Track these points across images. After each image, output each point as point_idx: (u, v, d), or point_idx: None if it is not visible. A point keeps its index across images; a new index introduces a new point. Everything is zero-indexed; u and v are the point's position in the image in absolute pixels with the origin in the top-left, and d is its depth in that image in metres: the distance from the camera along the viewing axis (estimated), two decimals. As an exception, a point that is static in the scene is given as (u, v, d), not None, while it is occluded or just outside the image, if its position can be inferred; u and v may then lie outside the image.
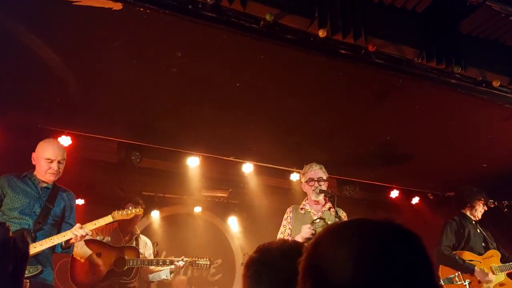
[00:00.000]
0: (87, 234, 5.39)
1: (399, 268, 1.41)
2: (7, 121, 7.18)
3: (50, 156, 5.42)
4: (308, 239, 5.41)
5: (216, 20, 5.02)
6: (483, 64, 6.32)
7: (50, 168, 5.43)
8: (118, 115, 7.24)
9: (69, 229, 5.45)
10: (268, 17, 4.98)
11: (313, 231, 5.50)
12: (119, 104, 6.88)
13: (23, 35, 5.21)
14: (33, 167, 5.56)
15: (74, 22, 5.10)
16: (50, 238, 5.28)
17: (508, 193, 7.66)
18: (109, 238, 7.49)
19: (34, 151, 5.52)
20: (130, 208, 6.09)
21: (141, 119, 7.41)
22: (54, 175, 5.50)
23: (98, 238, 7.38)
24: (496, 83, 6.27)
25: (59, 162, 5.47)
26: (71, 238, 5.33)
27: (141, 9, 4.83)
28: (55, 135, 7.43)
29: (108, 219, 5.76)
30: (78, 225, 5.39)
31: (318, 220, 5.78)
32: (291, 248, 2.68)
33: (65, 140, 7.55)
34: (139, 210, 6.21)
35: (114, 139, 8.24)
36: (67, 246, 5.48)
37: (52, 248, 5.44)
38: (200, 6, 4.89)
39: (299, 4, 5.29)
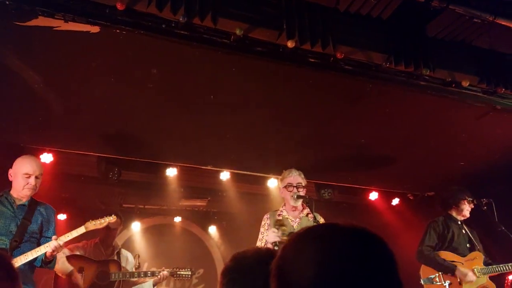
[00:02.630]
0: (60, 246, 5.37)
1: (360, 271, 1.47)
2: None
3: (28, 171, 5.48)
4: (275, 243, 5.48)
5: (189, 37, 5.16)
6: (451, 65, 6.40)
7: (27, 183, 5.48)
8: (98, 130, 7.38)
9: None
10: (238, 31, 5.10)
11: (279, 236, 5.57)
12: (98, 120, 7.03)
13: (5, 57, 5.35)
14: (10, 186, 5.60)
15: (55, 45, 5.26)
16: (24, 254, 5.29)
17: (487, 190, 7.73)
18: (91, 253, 7.50)
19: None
20: (104, 217, 6.08)
21: (120, 133, 7.51)
22: (31, 190, 5.54)
23: (78, 253, 7.37)
24: (465, 83, 6.35)
25: (36, 177, 5.53)
26: (49, 252, 5.37)
27: (117, 30, 4.99)
28: (37, 152, 7.52)
29: (81, 229, 5.76)
30: (54, 237, 5.44)
31: (295, 221, 5.92)
32: (266, 255, 2.74)
33: (47, 157, 7.69)
34: (112, 218, 6.17)
35: (94, 153, 8.32)
36: (48, 260, 5.47)
37: (31, 265, 5.46)
38: (173, 25, 5.01)
39: (267, 18, 5.40)
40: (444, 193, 7.72)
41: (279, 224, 5.59)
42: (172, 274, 7.68)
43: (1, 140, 7.36)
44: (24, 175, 5.48)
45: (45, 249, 5.35)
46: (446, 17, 5.91)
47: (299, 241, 1.62)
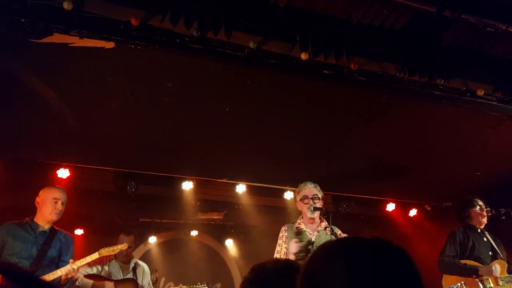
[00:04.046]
0: (73, 270, 5.83)
1: (389, 284, 1.50)
2: (6, 156, 7.36)
3: (56, 196, 5.99)
4: (296, 253, 5.51)
5: (203, 51, 5.22)
6: (466, 74, 6.40)
7: (55, 208, 5.96)
8: (114, 145, 7.42)
9: None
10: (251, 44, 5.16)
11: (301, 246, 5.59)
12: (114, 134, 7.08)
13: (22, 74, 5.45)
14: (34, 212, 6.03)
15: (70, 61, 5.34)
16: (42, 277, 5.61)
17: (505, 200, 7.65)
18: (107, 268, 7.51)
19: (37, 195, 6.03)
20: (118, 245, 6.67)
21: (136, 147, 7.55)
22: (58, 215, 6.02)
23: (95, 269, 7.40)
24: (480, 92, 6.34)
25: (62, 203, 6.03)
26: (63, 275, 5.79)
27: (132, 46, 5.07)
28: (53, 168, 7.68)
29: (95, 255, 6.24)
30: (71, 260, 5.91)
31: (314, 234, 5.84)
32: (285, 266, 2.75)
33: (64, 173, 7.86)
34: (123, 246, 6.76)
35: (110, 168, 8.38)
36: (63, 283, 5.87)
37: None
38: (187, 39, 5.07)
39: (280, 30, 5.45)
40: (455, 208, 7.69)
41: (298, 233, 5.65)
42: (188, 291, 7.70)
43: (19, 156, 7.46)
44: (53, 199, 5.96)
45: (60, 272, 5.78)
46: (459, 27, 5.89)
47: (327, 255, 1.64)
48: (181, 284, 7.61)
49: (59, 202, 5.99)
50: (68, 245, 6.21)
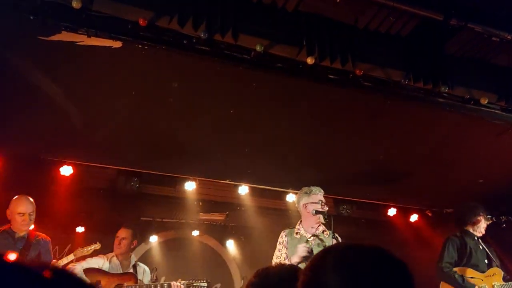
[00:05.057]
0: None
1: None
2: (10, 152, 7.38)
3: (21, 211, 6.35)
4: (304, 257, 5.41)
5: (209, 53, 5.25)
6: (470, 82, 6.41)
7: (22, 221, 6.33)
8: (118, 144, 7.44)
9: None
10: (258, 47, 5.19)
11: (309, 249, 5.54)
12: (119, 133, 7.09)
13: (28, 71, 5.48)
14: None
15: (77, 59, 5.37)
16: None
17: (507, 207, 7.66)
18: (108, 264, 7.53)
19: (8, 208, 6.39)
20: (91, 244, 7.24)
21: (139, 147, 7.56)
22: (27, 225, 6.41)
23: (96, 265, 7.41)
24: (484, 100, 6.34)
25: (29, 214, 6.39)
26: None
27: (139, 46, 5.09)
28: (57, 165, 7.68)
29: (70, 257, 6.89)
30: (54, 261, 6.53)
31: (312, 238, 5.79)
32: (288, 272, 2.78)
33: (67, 170, 7.84)
34: (97, 245, 7.31)
35: (113, 166, 8.39)
36: None
37: None
38: (194, 40, 5.11)
39: (288, 34, 5.50)
40: (460, 209, 7.57)
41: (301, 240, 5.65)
42: (188, 286, 7.67)
43: (22, 152, 7.48)
44: (19, 214, 6.33)
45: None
46: (464, 35, 5.94)
47: (326, 263, 1.66)
48: (179, 279, 7.61)
49: (26, 215, 6.31)
50: (47, 248, 6.60)
